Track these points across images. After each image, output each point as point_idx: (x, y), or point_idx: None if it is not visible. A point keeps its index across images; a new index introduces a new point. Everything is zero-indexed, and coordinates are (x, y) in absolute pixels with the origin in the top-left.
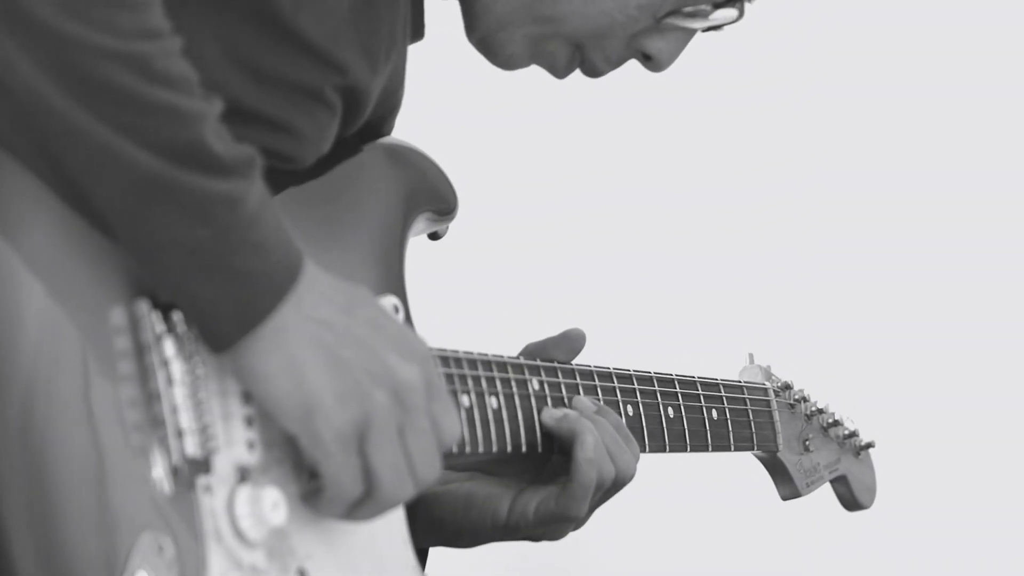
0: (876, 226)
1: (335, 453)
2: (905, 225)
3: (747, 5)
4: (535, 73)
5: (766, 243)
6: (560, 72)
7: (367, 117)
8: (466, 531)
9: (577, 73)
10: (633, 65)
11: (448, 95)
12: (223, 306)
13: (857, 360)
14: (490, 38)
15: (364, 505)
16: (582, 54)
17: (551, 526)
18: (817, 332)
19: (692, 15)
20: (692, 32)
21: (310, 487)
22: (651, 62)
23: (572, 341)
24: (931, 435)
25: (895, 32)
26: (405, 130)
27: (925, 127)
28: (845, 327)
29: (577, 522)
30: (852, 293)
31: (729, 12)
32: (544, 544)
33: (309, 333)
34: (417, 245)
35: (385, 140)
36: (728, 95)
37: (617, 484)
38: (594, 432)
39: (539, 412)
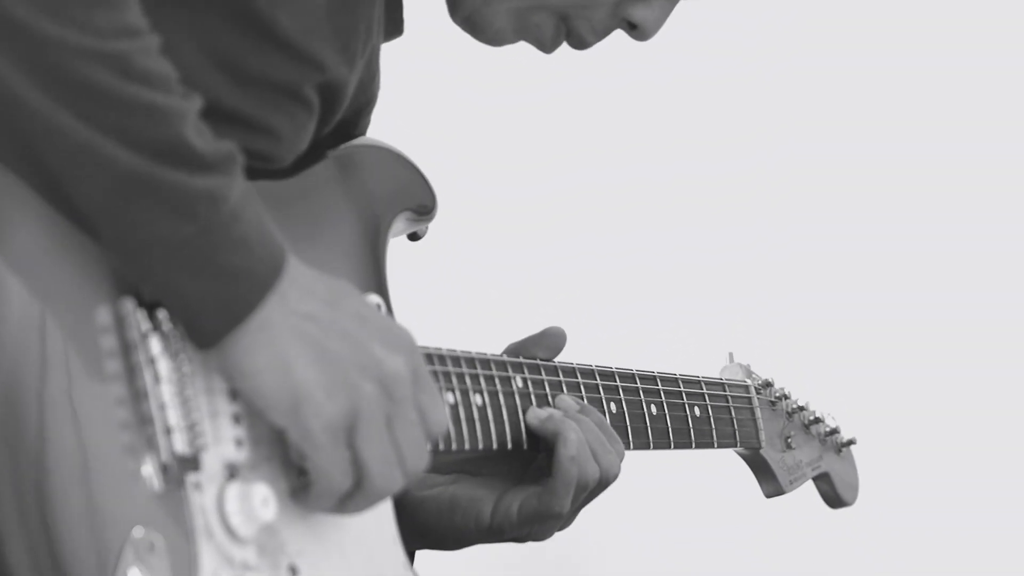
0: (855, 200)
1: (324, 445)
2: (883, 199)
3: None
4: (497, 58)
5: (743, 217)
6: (547, 46)
7: (343, 113)
8: (451, 535)
9: (536, 52)
10: (605, 42)
11: (419, 86)
12: (207, 303)
13: (836, 335)
14: (476, 15)
15: (354, 498)
16: (568, 25)
17: (535, 525)
18: (793, 305)
19: None
20: None
21: (299, 483)
22: (636, 31)
23: (552, 339)
24: (916, 417)
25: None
26: (377, 124)
27: (904, 98)
28: (822, 301)
29: (561, 520)
30: (830, 267)
31: None
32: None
33: (295, 327)
34: (396, 245)
35: (361, 140)
36: (704, 67)
37: (602, 484)
38: (578, 431)
39: (524, 410)
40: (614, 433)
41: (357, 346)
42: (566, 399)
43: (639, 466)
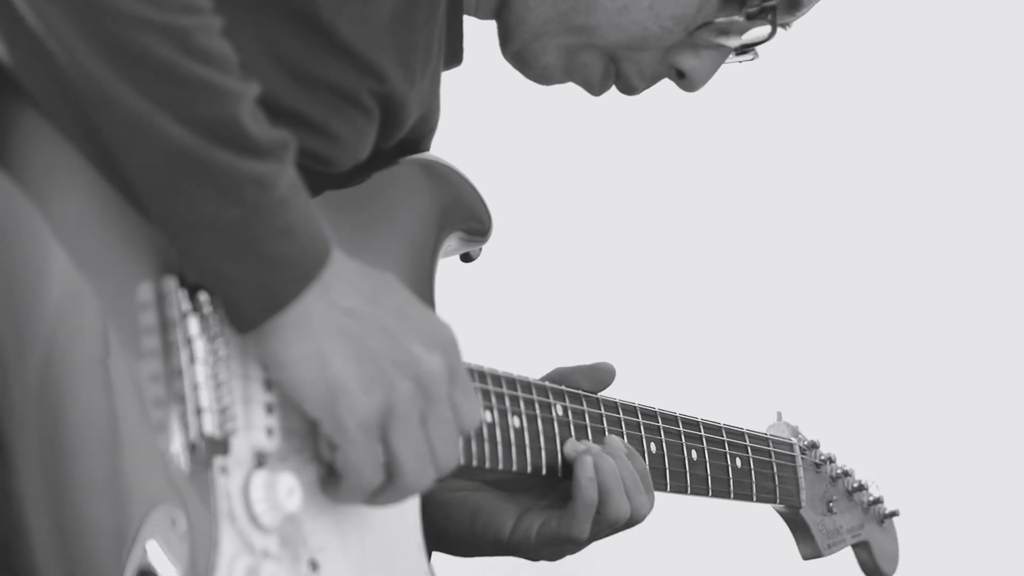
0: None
1: (358, 440)
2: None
3: (780, 27)
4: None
5: (823, 280)
6: (595, 87)
7: (405, 133)
8: (467, 542)
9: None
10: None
11: (477, 114)
12: (248, 288)
13: (888, 403)
14: (525, 50)
15: (384, 492)
16: (616, 67)
17: (552, 548)
18: (847, 369)
19: (724, 31)
20: (726, 51)
21: (329, 478)
22: (684, 80)
23: (601, 373)
24: (961, 494)
25: (890, 30)
26: (440, 148)
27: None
28: (878, 367)
29: (577, 545)
30: (894, 337)
31: (761, 30)
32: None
33: (335, 321)
34: (447, 264)
35: (422, 155)
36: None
37: (629, 523)
38: (598, 454)
39: (562, 439)
40: (651, 483)
41: (395, 343)
42: (616, 440)
43: (674, 509)
